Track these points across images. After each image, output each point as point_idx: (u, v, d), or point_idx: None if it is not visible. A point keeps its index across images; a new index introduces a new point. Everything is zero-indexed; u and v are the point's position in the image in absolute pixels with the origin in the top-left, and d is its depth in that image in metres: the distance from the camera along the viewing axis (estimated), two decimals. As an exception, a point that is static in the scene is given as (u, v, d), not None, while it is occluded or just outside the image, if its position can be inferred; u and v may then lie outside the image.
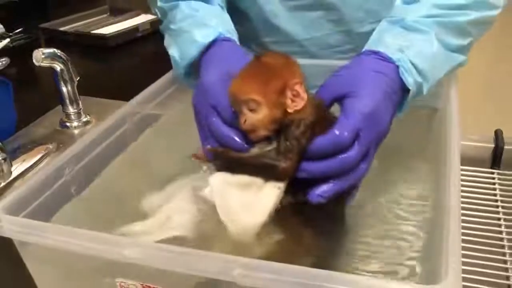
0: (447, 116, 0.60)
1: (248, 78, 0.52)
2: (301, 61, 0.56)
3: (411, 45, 0.62)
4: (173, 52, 0.69)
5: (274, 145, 0.52)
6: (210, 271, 0.39)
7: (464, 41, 0.67)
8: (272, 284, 0.38)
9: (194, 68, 0.68)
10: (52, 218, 0.54)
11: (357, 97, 0.54)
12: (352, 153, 0.51)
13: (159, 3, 0.75)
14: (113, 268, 0.46)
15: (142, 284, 0.45)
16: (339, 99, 0.56)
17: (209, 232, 0.54)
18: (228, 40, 0.67)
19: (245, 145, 0.53)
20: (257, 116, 0.51)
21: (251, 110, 0.51)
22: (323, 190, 0.51)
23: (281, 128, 0.52)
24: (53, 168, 0.56)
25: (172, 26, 0.71)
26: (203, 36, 0.66)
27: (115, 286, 0.46)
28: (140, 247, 0.42)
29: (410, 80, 0.60)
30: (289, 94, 0.51)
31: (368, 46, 0.64)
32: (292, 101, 0.51)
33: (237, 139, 0.54)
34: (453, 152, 0.51)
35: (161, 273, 0.43)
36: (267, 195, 0.51)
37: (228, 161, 0.54)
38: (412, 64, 0.60)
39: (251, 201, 0.51)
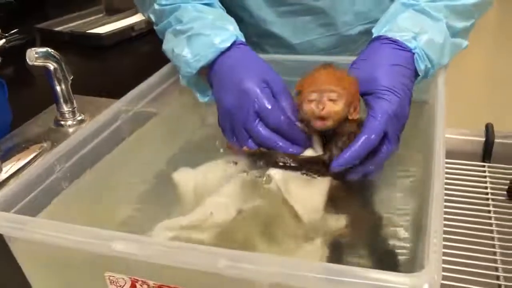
0: (435, 110, 0.60)
1: (334, 76, 0.59)
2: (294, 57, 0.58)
3: (424, 32, 0.65)
4: (184, 52, 0.69)
5: (319, 151, 0.61)
6: (195, 263, 0.40)
7: (468, 23, 0.70)
8: (256, 275, 0.38)
9: (202, 69, 0.69)
10: (42, 214, 0.54)
11: (382, 98, 0.59)
12: (383, 155, 0.59)
13: (156, 6, 0.75)
14: (101, 262, 0.46)
15: (130, 278, 0.45)
16: (362, 95, 0.61)
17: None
18: (242, 44, 0.70)
19: (296, 151, 0.61)
20: (335, 108, 0.57)
21: (331, 100, 0.57)
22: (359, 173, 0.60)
23: (331, 137, 0.60)
24: (44, 166, 0.56)
25: (178, 27, 0.71)
26: (221, 41, 0.68)
27: (104, 280, 0.46)
28: (126, 240, 0.42)
29: (422, 66, 0.64)
30: (352, 106, 0.59)
31: (380, 29, 0.67)
32: (353, 111, 0.59)
33: (290, 147, 0.61)
34: (438, 144, 0.52)
35: (149, 266, 0.44)
36: (321, 180, 0.59)
37: (277, 161, 0.60)
38: (426, 50, 0.64)
39: (309, 185, 0.59)
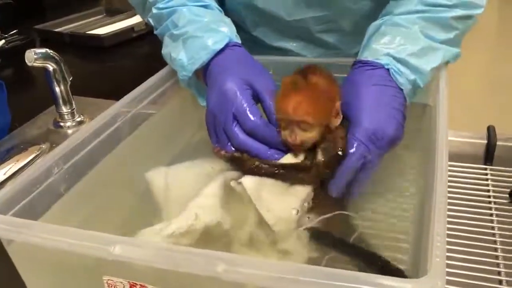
0: (437, 111, 0.60)
1: (302, 99, 0.56)
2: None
3: (398, 44, 0.64)
4: (180, 56, 0.69)
5: (301, 157, 0.58)
6: (194, 267, 0.39)
7: (450, 35, 0.68)
8: (255, 279, 0.38)
9: (199, 71, 0.70)
10: (40, 217, 0.54)
11: (358, 124, 0.59)
12: (363, 175, 0.58)
13: (154, 11, 0.75)
14: (100, 266, 0.45)
15: (129, 282, 0.45)
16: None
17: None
18: (237, 45, 0.69)
19: (275, 156, 0.59)
20: (308, 135, 0.56)
21: (303, 130, 0.56)
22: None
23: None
24: (42, 167, 0.55)
25: (175, 32, 0.71)
26: (214, 42, 0.67)
27: (102, 283, 0.46)
28: (125, 244, 0.42)
29: (401, 80, 0.63)
30: (333, 112, 0.58)
31: (358, 56, 0.68)
32: (334, 117, 0.58)
33: (268, 151, 0.59)
34: (440, 146, 0.51)
35: (147, 270, 0.43)
36: (299, 188, 0.57)
37: (250, 168, 0.58)
38: (403, 63, 0.63)
39: (285, 192, 0.56)
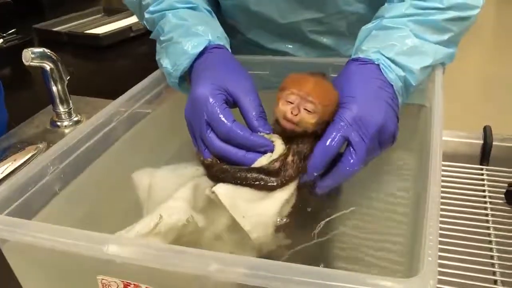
0: (432, 112, 0.60)
1: (322, 88, 0.57)
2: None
3: (388, 45, 0.65)
4: (166, 63, 0.69)
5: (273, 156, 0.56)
6: (186, 267, 0.39)
7: (444, 37, 0.68)
8: (247, 279, 0.38)
9: (186, 75, 0.69)
10: (35, 216, 0.54)
11: (341, 107, 0.58)
12: (345, 165, 0.57)
13: (146, 15, 0.75)
14: (94, 265, 0.45)
15: (123, 281, 0.45)
16: None
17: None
18: (218, 47, 0.68)
19: (255, 159, 0.57)
20: (309, 119, 0.56)
21: (307, 111, 0.56)
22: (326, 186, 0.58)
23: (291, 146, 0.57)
24: (38, 167, 0.55)
25: (161, 38, 0.71)
26: (193, 47, 0.67)
27: (96, 283, 0.46)
28: (119, 243, 0.42)
29: (391, 76, 0.63)
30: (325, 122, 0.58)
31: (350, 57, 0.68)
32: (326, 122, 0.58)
33: (246, 154, 0.57)
34: (435, 147, 0.51)
35: (141, 269, 0.43)
36: (276, 192, 0.55)
37: (227, 174, 0.57)
38: (392, 61, 0.63)
39: (262, 198, 0.55)
